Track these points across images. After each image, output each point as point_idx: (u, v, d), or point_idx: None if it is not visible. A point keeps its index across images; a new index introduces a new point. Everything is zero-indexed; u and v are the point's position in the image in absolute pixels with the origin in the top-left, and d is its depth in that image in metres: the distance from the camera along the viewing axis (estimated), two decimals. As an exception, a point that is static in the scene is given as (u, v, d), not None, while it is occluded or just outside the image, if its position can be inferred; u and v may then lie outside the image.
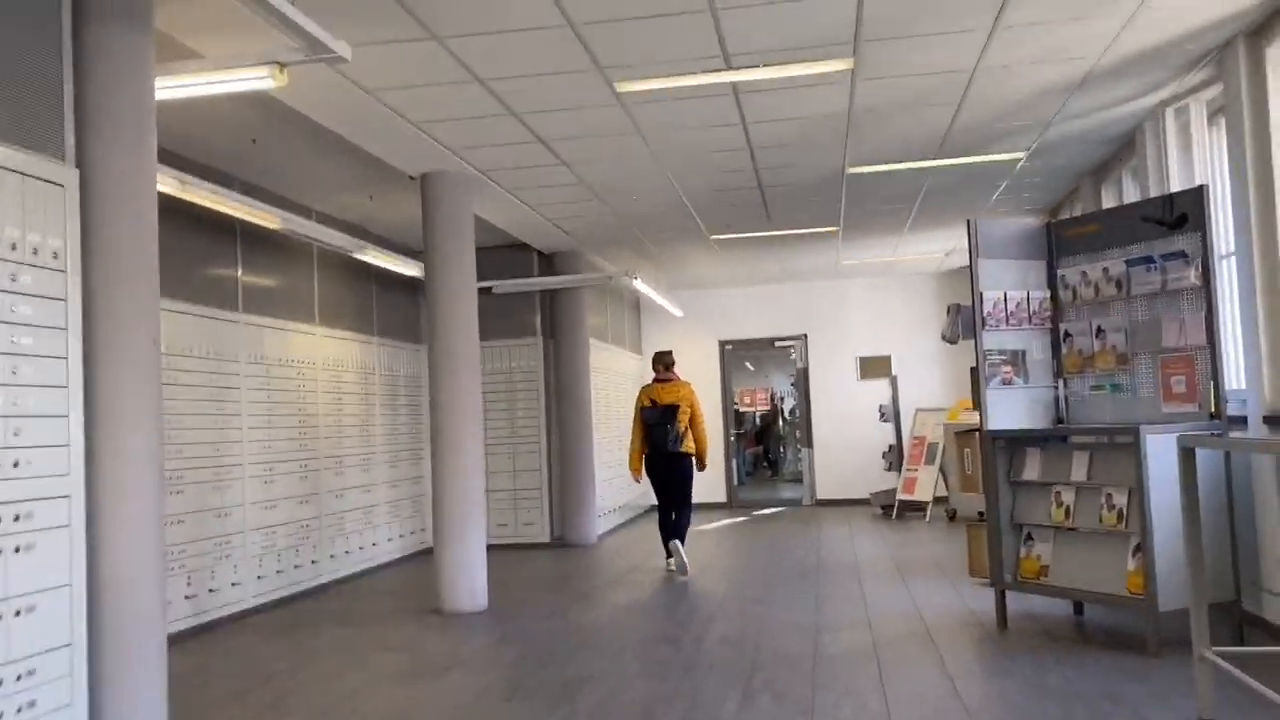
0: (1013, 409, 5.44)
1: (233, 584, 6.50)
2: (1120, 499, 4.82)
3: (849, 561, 7.98)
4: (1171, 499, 4.48)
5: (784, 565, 7.93)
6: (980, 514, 8.16)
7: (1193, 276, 4.84)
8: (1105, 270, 5.29)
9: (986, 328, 5.38)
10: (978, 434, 5.92)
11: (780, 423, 20.19)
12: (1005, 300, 5.46)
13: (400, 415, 9.29)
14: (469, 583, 6.53)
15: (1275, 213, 4.66)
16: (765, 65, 4.93)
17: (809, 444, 13.16)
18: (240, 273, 6.86)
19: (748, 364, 20.96)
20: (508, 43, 4.55)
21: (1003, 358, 5.44)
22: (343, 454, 8.09)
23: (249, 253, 6.94)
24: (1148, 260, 5.06)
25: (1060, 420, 5.51)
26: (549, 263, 10.00)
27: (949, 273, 12.70)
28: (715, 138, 6.23)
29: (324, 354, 7.93)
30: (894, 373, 12.60)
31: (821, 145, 6.50)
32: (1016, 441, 5.42)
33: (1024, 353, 5.50)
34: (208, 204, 5.66)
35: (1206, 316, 4.78)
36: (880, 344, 12.92)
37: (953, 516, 10.70)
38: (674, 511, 7.74)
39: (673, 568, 7.71)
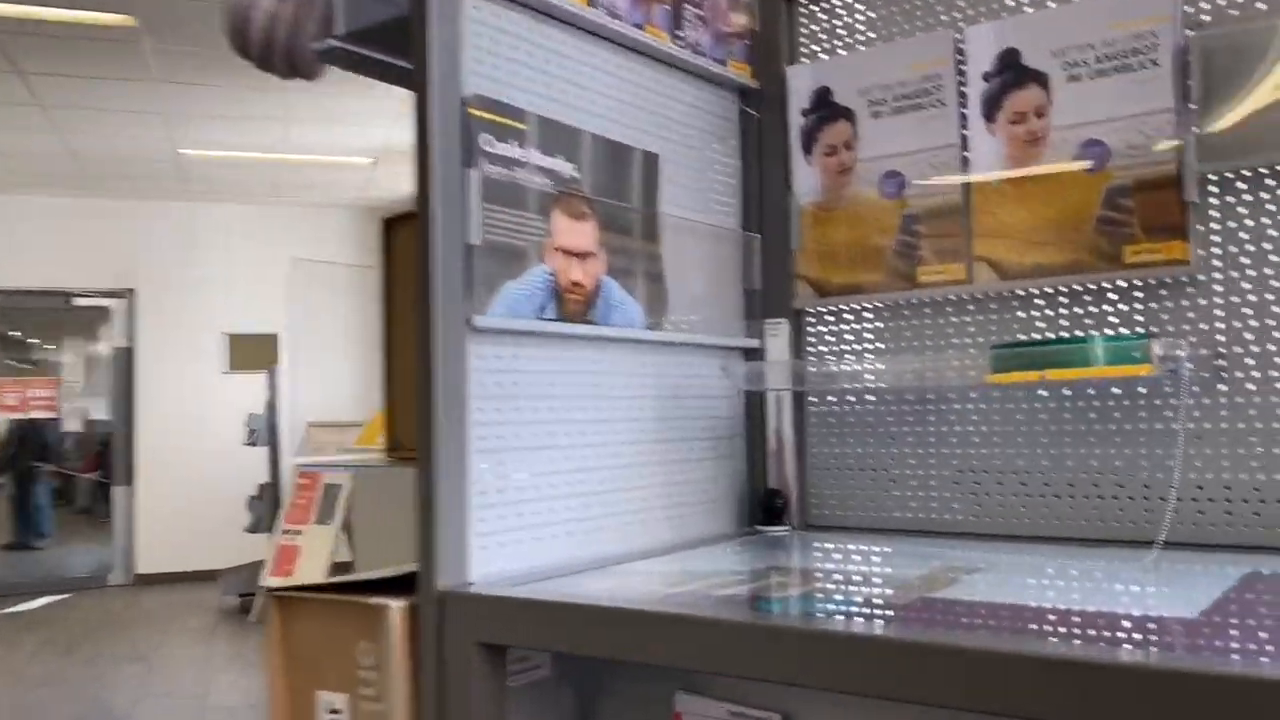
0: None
1: None
2: None
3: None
4: None
5: None
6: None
7: None
8: None
9: None
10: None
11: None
12: None
13: None
14: None
15: None
16: None
17: (126, 479, 7.73)
18: None
19: (44, 344, 11.42)
20: None
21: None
22: None
23: None
24: None
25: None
26: None
27: (377, 207, 8.14)
28: None
29: None
30: (280, 363, 7.71)
31: None
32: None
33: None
34: None
35: None
36: (264, 315, 7.98)
37: (359, 615, 6.09)
38: None
39: None
